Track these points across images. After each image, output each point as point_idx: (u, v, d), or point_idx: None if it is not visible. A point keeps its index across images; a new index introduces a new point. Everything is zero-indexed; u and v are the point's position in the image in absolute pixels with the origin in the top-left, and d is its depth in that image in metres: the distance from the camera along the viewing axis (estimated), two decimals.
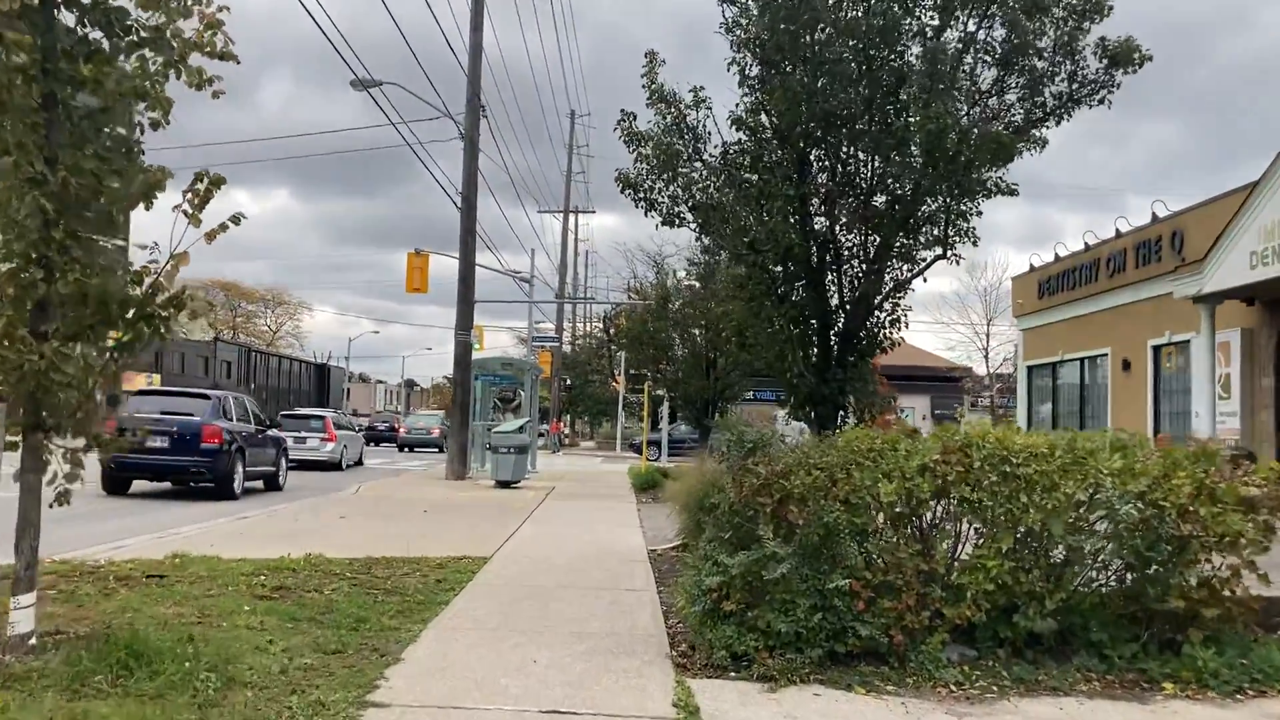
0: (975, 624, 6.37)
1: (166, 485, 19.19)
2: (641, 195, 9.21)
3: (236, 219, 6.01)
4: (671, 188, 9.08)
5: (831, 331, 8.86)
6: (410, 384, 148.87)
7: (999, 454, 6.39)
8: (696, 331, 22.48)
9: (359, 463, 32.49)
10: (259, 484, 20.85)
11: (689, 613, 6.78)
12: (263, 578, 8.71)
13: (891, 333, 9.11)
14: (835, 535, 6.22)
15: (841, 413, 8.65)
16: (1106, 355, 22.79)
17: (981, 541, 6.45)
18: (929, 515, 6.54)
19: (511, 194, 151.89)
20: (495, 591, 8.81)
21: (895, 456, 6.43)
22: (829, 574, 6.20)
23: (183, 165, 5.70)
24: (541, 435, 57.26)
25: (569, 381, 62.51)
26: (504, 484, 21.63)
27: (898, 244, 8.36)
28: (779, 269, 8.58)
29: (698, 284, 22.43)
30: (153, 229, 6.02)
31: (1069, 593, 6.37)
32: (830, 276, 8.78)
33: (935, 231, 8.79)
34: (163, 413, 18.55)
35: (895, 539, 6.34)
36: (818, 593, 6.19)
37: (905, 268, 8.79)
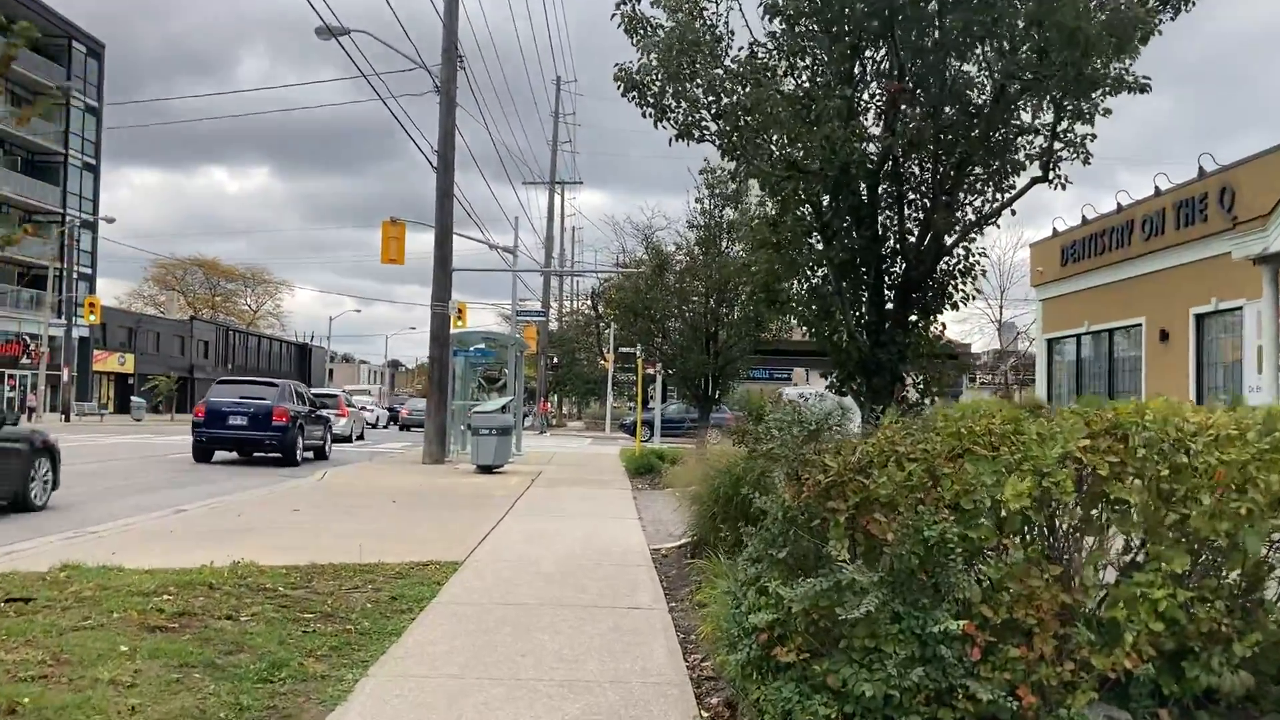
0: (1132, 677, 4.51)
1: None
2: (650, 100, 7.27)
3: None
4: (689, 87, 7.14)
5: (888, 282, 6.99)
6: (395, 364, 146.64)
7: (1169, 437, 4.50)
8: (695, 300, 20.49)
9: (360, 436, 36.41)
10: (309, 454, 24.35)
11: (726, 661, 4.90)
12: (166, 598, 6.78)
13: (964, 284, 7.23)
14: (940, 555, 4.33)
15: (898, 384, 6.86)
16: (1140, 325, 20.97)
17: (1142, 562, 4.57)
18: (1066, 524, 4.65)
19: (493, 170, 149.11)
20: (463, 614, 6.91)
21: (1024, 442, 4.53)
22: (931, 611, 4.32)
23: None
24: (528, 416, 55.46)
25: (556, 360, 60.53)
26: (485, 469, 19.73)
27: (981, 165, 6.43)
28: (827, 200, 6.67)
29: (698, 248, 20.42)
30: None
31: (1266, 634, 4.51)
32: (889, 213, 6.89)
33: (1033, 146, 6.88)
34: (241, 397, 23.16)
35: (1023, 560, 4.44)
36: (915, 638, 4.32)
37: (988, 196, 6.88)
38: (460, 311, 40.57)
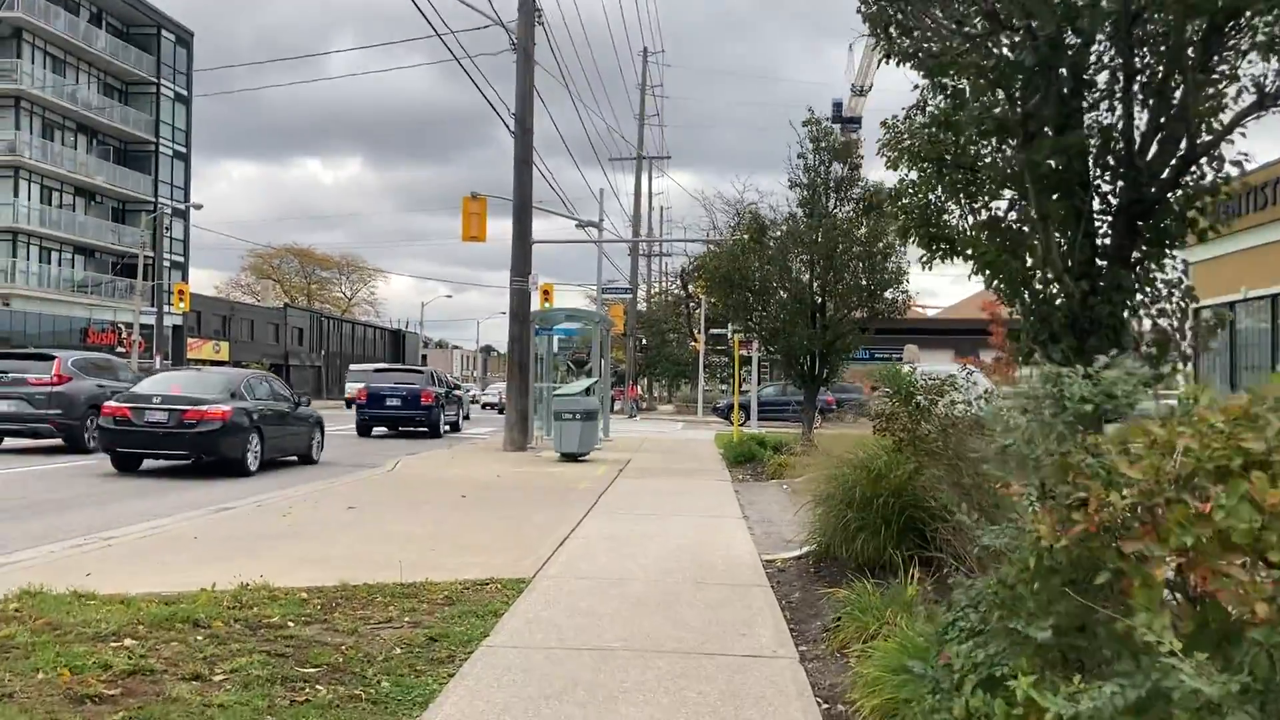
0: None
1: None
2: None
3: None
4: None
5: (1112, 205, 4.92)
6: (487, 349, 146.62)
7: None
8: (800, 265, 18.37)
9: (467, 417, 37.42)
10: (447, 427, 29.22)
11: None
12: (126, 644, 5.08)
13: (1213, 205, 5.08)
14: None
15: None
16: None
17: None
18: None
19: (579, 152, 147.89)
20: (521, 665, 5.06)
21: None
22: None
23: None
24: (617, 400, 53.84)
25: (645, 341, 58.74)
26: (570, 456, 17.97)
27: (1262, 7, 4.28)
28: (1024, 85, 4.62)
29: (801, 209, 18.26)
30: None
31: None
32: (1113, 101, 4.79)
33: None
34: (396, 383, 28.36)
35: None
36: None
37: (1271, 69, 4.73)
38: (546, 292, 39.02)
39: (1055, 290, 4.99)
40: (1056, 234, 4.85)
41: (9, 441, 19.44)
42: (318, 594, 6.51)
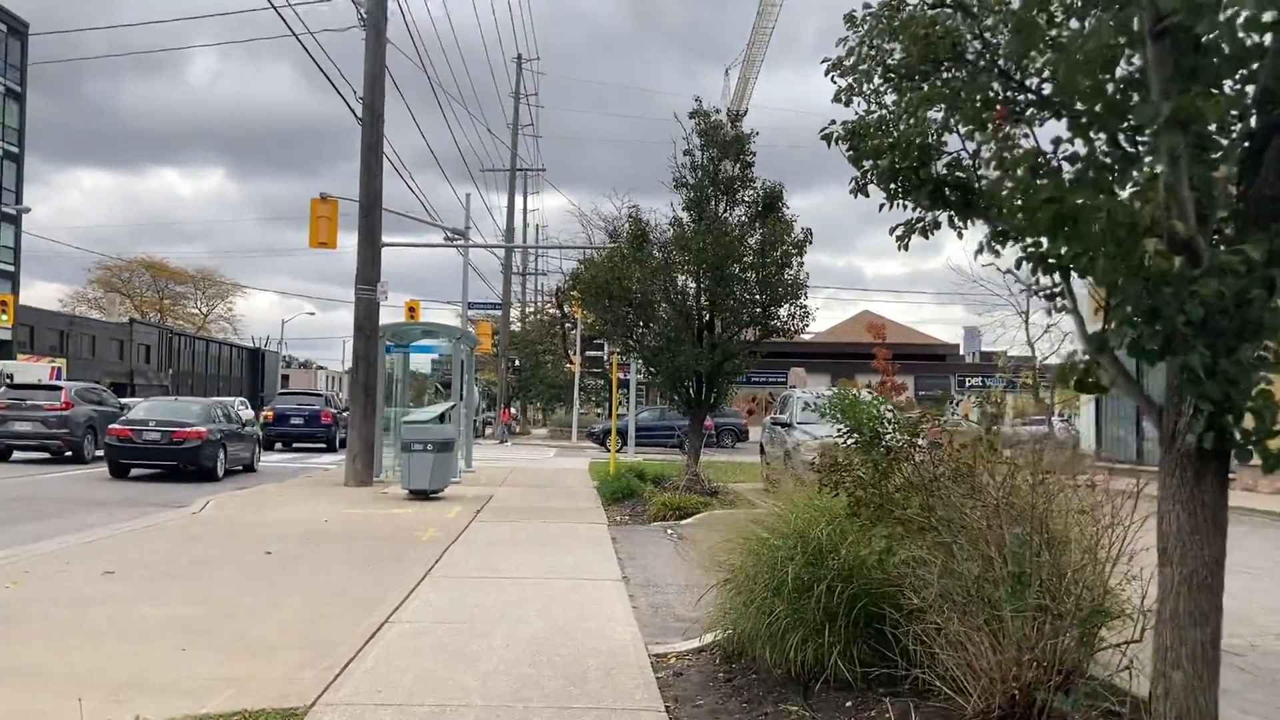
0: None
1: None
2: None
3: None
4: None
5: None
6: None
7: None
8: (685, 277, 16.26)
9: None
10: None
11: None
12: None
13: None
14: None
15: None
16: None
17: None
18: None
19: (449, 170, 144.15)
20: None
21: None
22: None
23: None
24: (489, 424, 50.91)
25: (518, 363, 56.06)
26: (420, 494, 15.35)
27: None
28: None
29: (687, 213, 16.14)
30: None
31: None
32: None
33: None
34: (298, 404, 33.34)
35: None
36: None
37: None
38: (412, 309, 36.07)
39: (1178, 264, 2.84)
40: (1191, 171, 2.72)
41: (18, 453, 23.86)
42: None
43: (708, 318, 16.53)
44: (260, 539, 10.87)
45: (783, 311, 16.71)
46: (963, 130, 3.65)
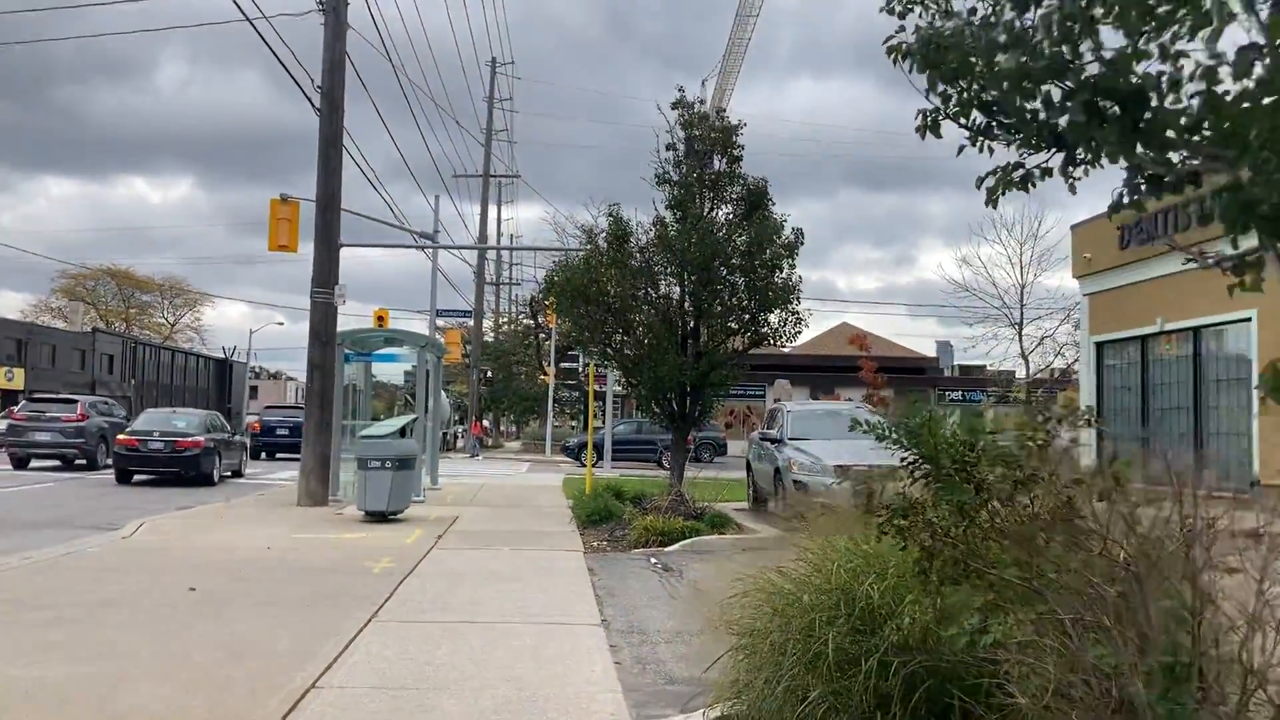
0: None
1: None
2: None
3: None
4: None
5: None
6: None
7: None
8: (669, 280, 15.02)
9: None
10: None
11: None
12: None
13: None
14: None
15: None
16: (1250, 321, 15.95)
17: None
18: None
19: (421, 179, 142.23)
20: None
21: None
22: None
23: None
24: (459, 437, 49.32)
25: (490, 374, 54.57)
26: (377, 516, 13.99)
27: None
28: None
29: (671, 212, 14.90)
30: None
31: None
32: None
33: None
34: (284, 417, 34.84)
35: None
36: None
37: None
38: (381, 319, 34.60)
39: None
40: None
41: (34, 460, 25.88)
42: None
43: (692, 324, 15.30)
44: (188, 570, 9.49)
45: (773, 318, 15.51)
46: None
